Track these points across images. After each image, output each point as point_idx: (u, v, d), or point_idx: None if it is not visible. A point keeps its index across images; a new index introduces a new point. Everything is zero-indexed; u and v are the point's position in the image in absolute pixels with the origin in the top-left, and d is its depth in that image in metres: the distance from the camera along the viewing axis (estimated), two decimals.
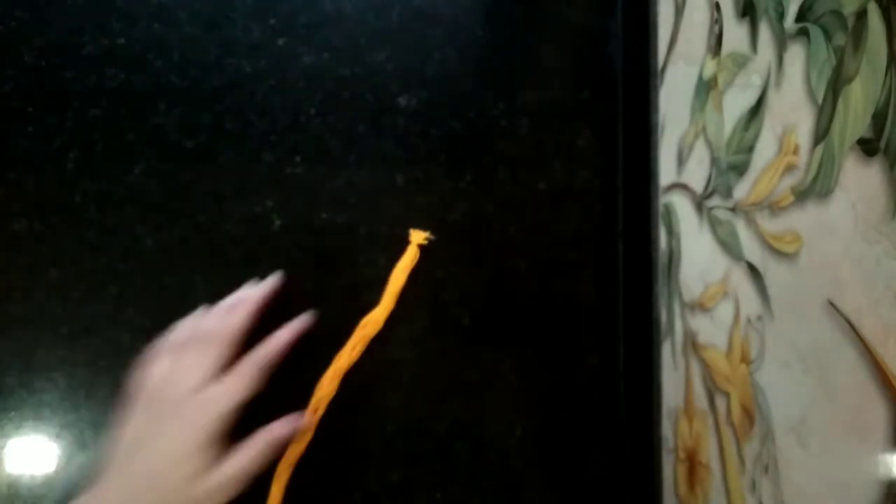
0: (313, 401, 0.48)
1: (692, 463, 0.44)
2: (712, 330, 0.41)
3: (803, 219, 0.31)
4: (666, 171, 0.50)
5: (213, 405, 0.42)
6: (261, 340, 0.46)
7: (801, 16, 0.31)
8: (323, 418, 0.49)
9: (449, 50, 0.54)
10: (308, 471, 0.48)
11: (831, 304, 0.28)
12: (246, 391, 0.43)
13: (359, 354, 0.50)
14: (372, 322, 0.50)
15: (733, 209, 0.38)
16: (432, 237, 0.51)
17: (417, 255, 0.51)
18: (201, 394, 0.42)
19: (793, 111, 0.32)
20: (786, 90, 0.33)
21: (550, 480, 0.51)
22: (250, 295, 0.47)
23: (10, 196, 0.51)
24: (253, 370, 0.44)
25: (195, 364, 0.43)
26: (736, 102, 0.38)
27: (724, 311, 0.39)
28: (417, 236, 0.51)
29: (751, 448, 0.35)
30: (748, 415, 0.36)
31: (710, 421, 0.41)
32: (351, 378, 0.50)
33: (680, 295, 0.46)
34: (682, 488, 0.45)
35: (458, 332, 0.52)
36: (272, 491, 0.47)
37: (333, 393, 0.49)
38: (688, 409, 0.45)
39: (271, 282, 0.49)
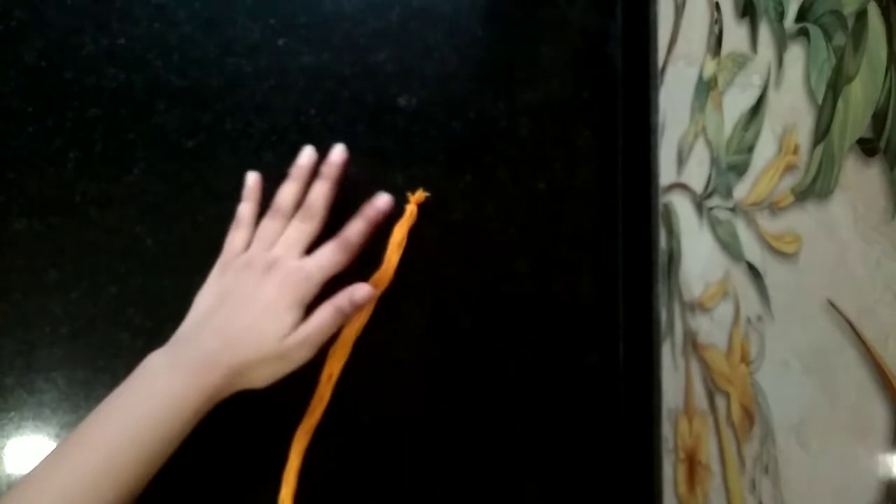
0: (326, 367, 0.49)
1: (692, 463, 0.44)
2: (712, 330, 0.41)
3: (803, 219, 0.31)
4: (666, 171, 0.50)
5: (311, 272, 0.45)
6: None
7: (801, 16, 0.31)
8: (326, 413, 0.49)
9: (449, 50, 0.54)
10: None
11: (831, 304, 0.28)
12: (338, 266, 0.47)
13: (369, 315, 0.50)
14: (382, 279, 0.50)
15: (733, 209, 0.38)
16: (430, 197, 0.52)
17: (415, 215, 0.51)
18: (302, 261, 0.46)
19: (793, 111, 0.32)
20: (786, 90, 0.33)
21: (551, 480, 0.51)
22: (333, 168, 0.49)
23: (10, 196, 0.51)
24: (347, 247, 0.47)
25: (298, 233, 0.47)
26: (736, 102, 0.38)
27: (724, 311, 0.39)
28: (418, 196, 0.51)
29: (751, 448, 0.35)
30: (748, 415, 0.36)
31: (710, 421, 0.41)
32: (351, 378, 0.50)
33: (680, 295, 0.46)
34: (682, 488, 0.45)
35: (458, 332, 0.52)
36: (290, 456, 0.48)
37: (346, 358, 0.49)
38: (688, 409, 0.44)
39: (340, 152, 0.50)
